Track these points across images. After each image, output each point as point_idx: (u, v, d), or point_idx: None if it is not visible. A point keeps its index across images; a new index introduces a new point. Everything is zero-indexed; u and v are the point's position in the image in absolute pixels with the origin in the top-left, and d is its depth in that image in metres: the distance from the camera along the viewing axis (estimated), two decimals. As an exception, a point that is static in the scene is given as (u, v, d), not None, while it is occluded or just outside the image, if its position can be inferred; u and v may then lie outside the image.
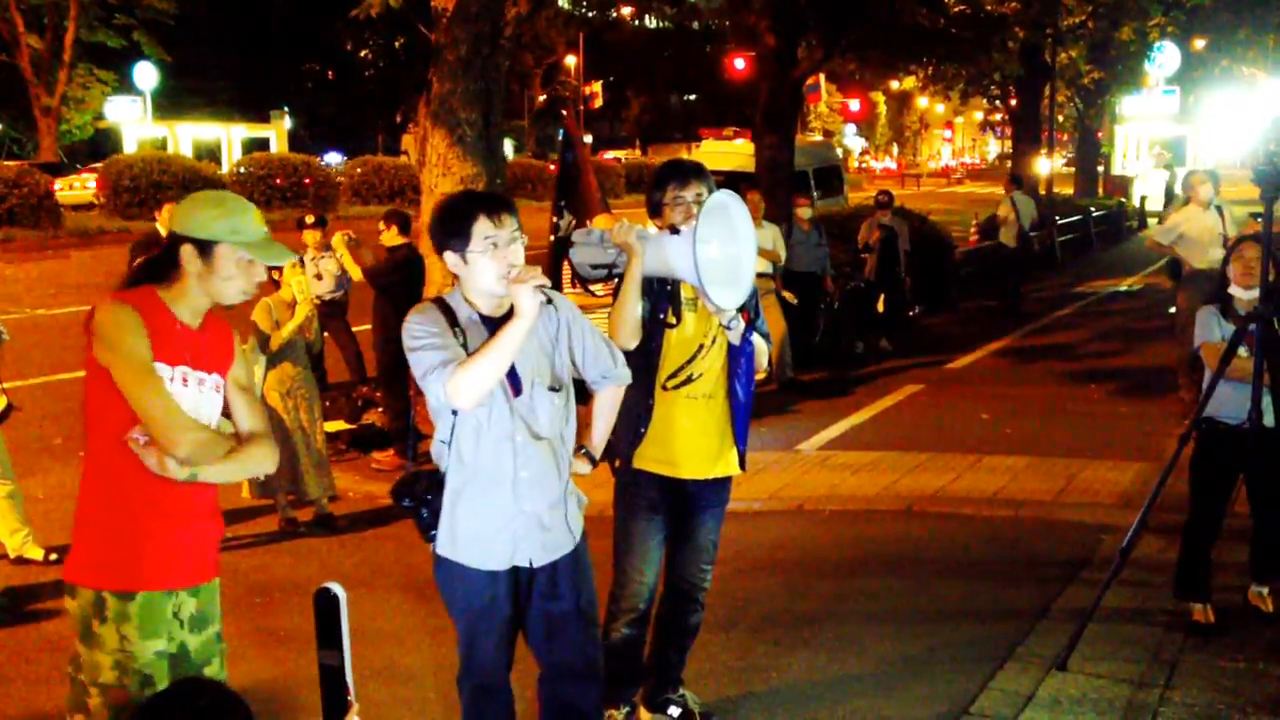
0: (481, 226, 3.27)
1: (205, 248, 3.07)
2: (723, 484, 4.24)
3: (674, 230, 3.64)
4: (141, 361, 2.98)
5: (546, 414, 3.41)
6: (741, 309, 3.87)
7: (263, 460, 3.24)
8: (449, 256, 3.35)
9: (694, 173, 4.06)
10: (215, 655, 3.28)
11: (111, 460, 3.04)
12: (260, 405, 3.41)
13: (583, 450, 3.66)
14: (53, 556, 6.48)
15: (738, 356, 4.05)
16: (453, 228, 3.31)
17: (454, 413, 3.32)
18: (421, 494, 3.42)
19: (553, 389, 3.43)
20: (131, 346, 2.97)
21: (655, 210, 4.07)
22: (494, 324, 3.31)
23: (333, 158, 40.35)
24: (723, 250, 3.51)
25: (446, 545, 3.43)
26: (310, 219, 10.13)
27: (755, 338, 4.06)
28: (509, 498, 3.37)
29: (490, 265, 3.28)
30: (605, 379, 3.64)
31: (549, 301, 3.27)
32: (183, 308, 3.11)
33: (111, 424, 3.02)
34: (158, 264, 3.13)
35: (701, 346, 4.05)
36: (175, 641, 3.15)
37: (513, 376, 3.32)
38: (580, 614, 3.55)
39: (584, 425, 3.68)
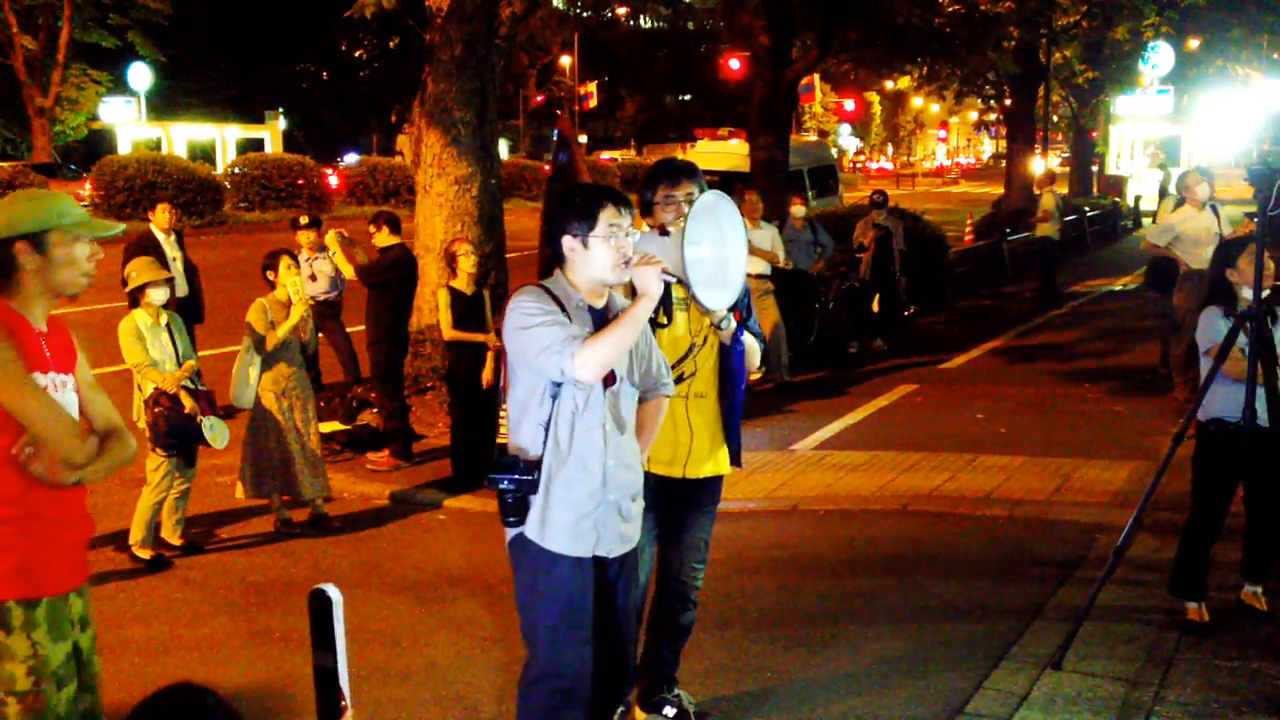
0: (608, 214, 3.40)
1: (38, 240, 3.07)
2: (714, 483, 4.25)
3: (663, 231, 3.65)
4: (20, 374, 2.99)
5: (628, 408, 3.54)
6: (733, 308, 3.89)
7: (129, 454, 3.27)
8: (567, 240, 3.43)
9: (685, 172, 4.10)
10: (95, 652, 3.32)
11: None
12: (107, 396, 3.39)
13: None
14: None
15: (729, 356, 4.06)
16: (581, 212, 3.41)
17: (553, 397, 3.38)
18: (522, 476, 3.42)
19: (632, 385, 3.56)
20: (5, 361, 2.97)
21: (646, 209, 4.10)
22: (596, 313, 3.45)
23: (351, 158, 40.07)
24: (712, 251, 3.51)
25: (536, 530, 3.45)
26: (304, 220, 10.12)
27: (747, 337, 4.07)
28: (598, 485, 3.45)
29: (608, 252, 3.39)
30: (659, 388, 3.73)
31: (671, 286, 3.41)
32: (32, 312, 3.11)
33: None
34: None
35: (693, 346, 4.07)
36: (69, 642, 3.18)
37: None
38: (626, 613, 3.62)
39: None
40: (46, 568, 3.11)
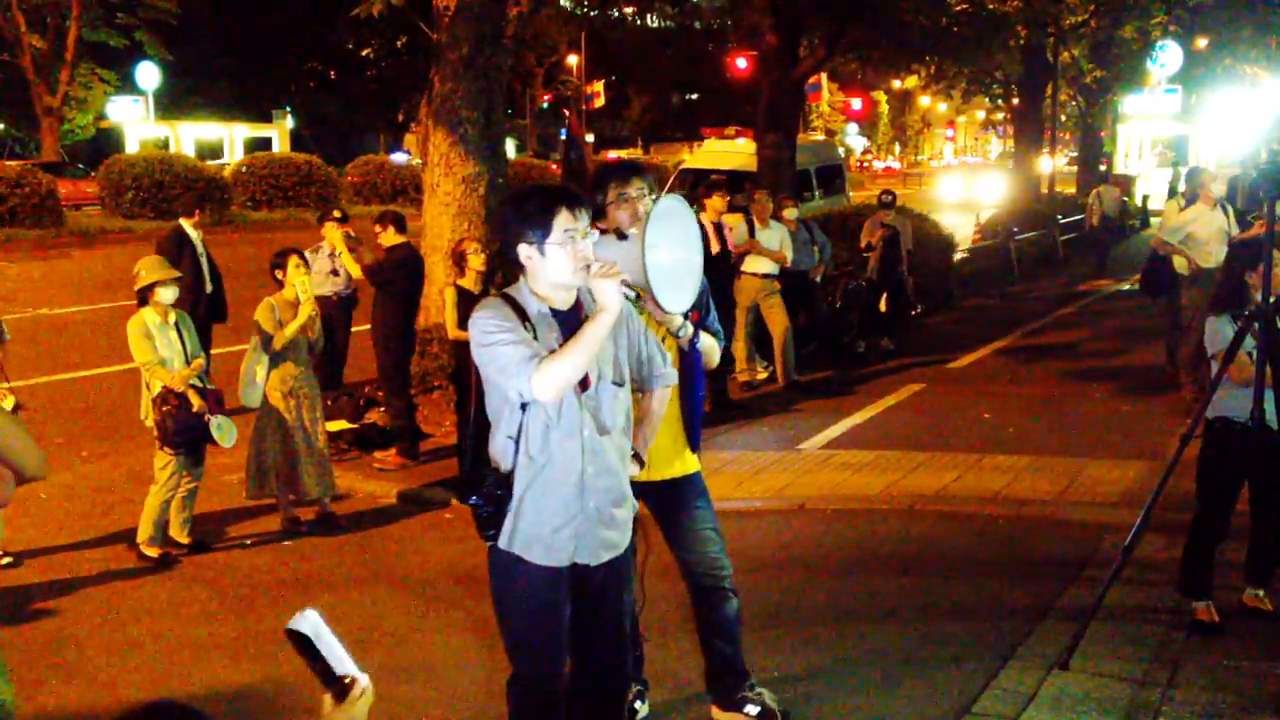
0: (562, 219, 3.27)
1: None
2: (689, 480, 4.21)
3: (620, 235, 3.63)
4: None
5: (609, 408, 3.42)
6: (692, 309, 3.82)
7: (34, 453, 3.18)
8: (523, 248, 3.32)
9: (634, 170, 4.05)
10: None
11: None
12: None
13: (632, 452, 3.65)
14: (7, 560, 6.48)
15: (686, 357, 4.03)
16: (533, 220, 3.29)
17: (522, 408, 3.30)
18: (492, 491, 3.37)
19: (615, 383, 3.45)
20: None
21: (599, 213, 3.96)
22: (562, 318, 3.36)
23: (399, 157, 39.90)
24: (670, 254, 3.49)
25: (508, 542, 3.40)
26: (337, 214, 9.89)
27: (704, 336, 4.04)
28: (575, 494, 3.37)
29: (567, 258, 3.28)
30: (657, 379, 3.66)
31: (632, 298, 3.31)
32: None
33: None
34: None
35: None
36: None
37: None
38: (617, 618, 3.56)
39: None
40: None
